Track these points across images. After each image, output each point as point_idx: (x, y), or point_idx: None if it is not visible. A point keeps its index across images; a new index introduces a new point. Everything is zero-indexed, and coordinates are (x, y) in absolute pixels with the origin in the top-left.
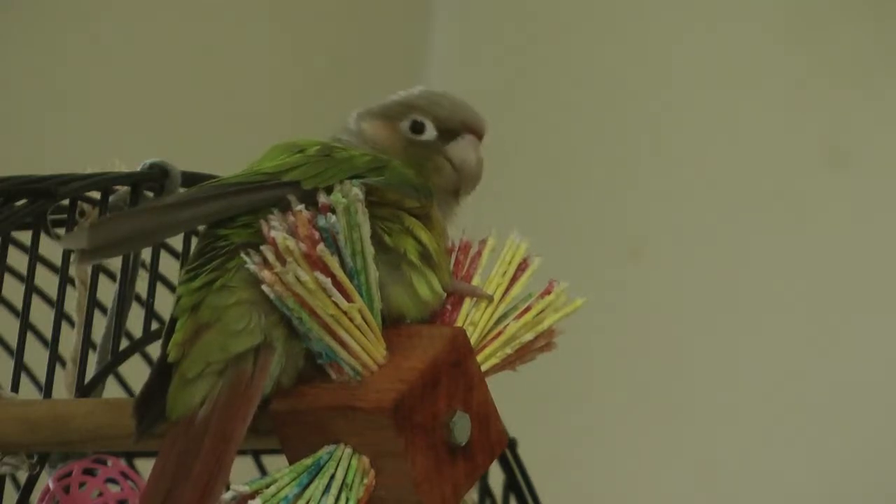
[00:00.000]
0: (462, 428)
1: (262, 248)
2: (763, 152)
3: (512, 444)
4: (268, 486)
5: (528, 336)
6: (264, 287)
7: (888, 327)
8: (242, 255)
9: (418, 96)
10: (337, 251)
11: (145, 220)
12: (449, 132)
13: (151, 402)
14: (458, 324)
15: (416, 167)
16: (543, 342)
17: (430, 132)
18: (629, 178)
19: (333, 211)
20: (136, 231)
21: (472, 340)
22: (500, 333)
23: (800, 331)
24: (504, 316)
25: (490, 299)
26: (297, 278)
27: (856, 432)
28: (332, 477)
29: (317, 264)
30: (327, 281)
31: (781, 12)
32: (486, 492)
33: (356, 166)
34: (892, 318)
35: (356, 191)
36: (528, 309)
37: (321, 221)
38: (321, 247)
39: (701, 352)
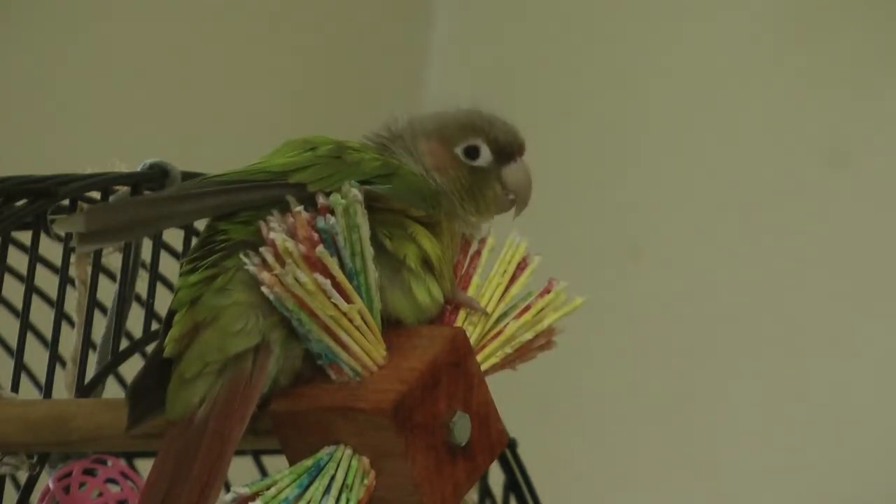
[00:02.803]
0: (462, 428)
1: (262, 249)
2: (763, 152)
3: (512, 444)
4: (268, 488)
5: (528, 335)
6: (263, 289)
7: (888, 327)
8: (242, 256)
9: (476, 117)
10: (336, 252)
11: (144, 210)
12: (504, 155)
13: (144, 393)
14: (458, 323)
15: (469, 194)
16: (543, 341)
17: (486, 156)
18: (629, 178)
19: (332, 212)
20: (134, 219)
21: (472, 340)
22: (499, 333)
23: (800, 330)
24: (504, 315)
25: (485, 315)
26: (297, 280)
27: (855, 431)
28: (333, 478)
29: (316, 266)
30: (327, 282)
31: (781, 12)
32: (486, 492)
33: (365, 171)
34: (893, 318)
35: (355, 192)
36: (527, 308)
37: (320, 223)
38: (320, 248)
39: (701, 351)
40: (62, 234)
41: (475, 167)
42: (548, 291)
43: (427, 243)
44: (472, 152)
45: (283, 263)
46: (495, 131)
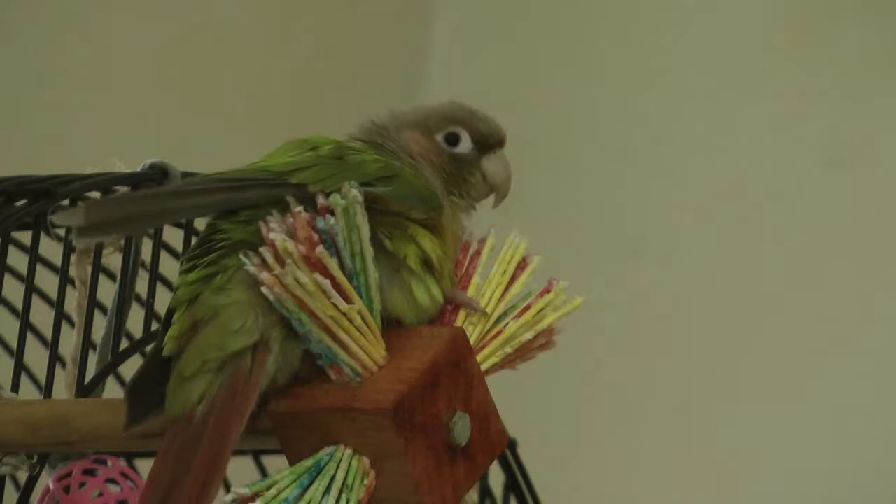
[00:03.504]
0: (462, 428)
1: (261, 250)
2: (763, 153)
3: (512, 444)
4: (268, 489)
5: (528, 335)
6: (263, 289)
7: (889, 327)
8: (242, 256)
9: (457, 108)
10: (336, 253)
11: (145, 204)
12: (485, 146)
13: (143, 392)
14: (458, 323)
15: (452, 180)
16: (543, 340)
17: (466, 144)
18: (629, 178)
19: (332, 212)
20: (134, 213)
21: (472, 340)
22: (499, 332)
23: (800, 330)
24: (504, 315)
25: (485, 315)
26: (297, 280)
27: (855, 431)
28: (333, 478)
29: (316, 266)
30: (326, 283)
31: (782, 14)
32: (486, 492)
33: (366, 173)
34: (892, 318)
35: (355, 192)
36: (527, 308)
37: (320, 223)
38: (320, 249)
39: (701, 351)
40: (62, 234)
41: (456, 154)
42: (548, 291)
43: (427, 243)
44: (453, 139)
45: (282, 264)
46: (476, 121)
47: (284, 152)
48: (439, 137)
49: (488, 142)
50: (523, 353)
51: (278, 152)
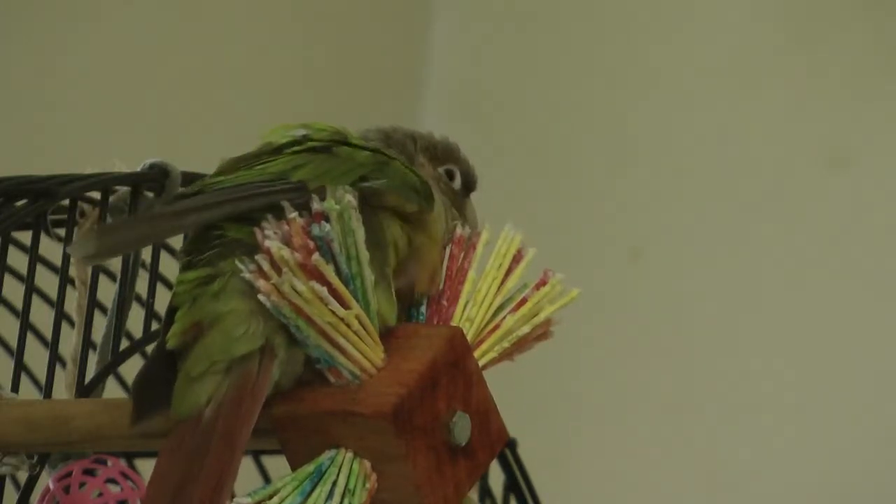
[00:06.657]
0: (462, 428)
1: (258, 257)
2: (763, 153)
3: (512, 444)
4: (270, 497)
5: (525, 329)
6: (260, 296)
7: (889, 328)
8: (238, 263)
9: (454, 147)
10: (332, 258)
11: (152, 228)
12: (466, 189)
13: (149, 389)
14: (455, 319)
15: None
16: (540, 332)
17: (458, 183)
18: (629, 178)
19: (327, 218)
20: (142, 236)
21: (470, 336)
22: (497, 327)
23: (800, 331)
24: (500, 308)
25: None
26: (294, 288)
27: (855, 432)
28: (335, 483)
29: (312, 273)
30: (323, 290)
31: (782, 13)
32: (486, 492)
33: (362, 164)
34: (893, 319)
35: (349, 197)
36: (524, 301)
37: (315, 230)
38: (316, 256)
39: (701, 352)
40: (62, 234)
41: (449, 187)
42: (544, 283)
43: (398, 231)
44: (451, 174)
45: (279, 272)
46: (467, 165)
47: (279, 135)
48: (441, 170)
49: (470, 187)
50: (521, 345)
51: (272, 134)
